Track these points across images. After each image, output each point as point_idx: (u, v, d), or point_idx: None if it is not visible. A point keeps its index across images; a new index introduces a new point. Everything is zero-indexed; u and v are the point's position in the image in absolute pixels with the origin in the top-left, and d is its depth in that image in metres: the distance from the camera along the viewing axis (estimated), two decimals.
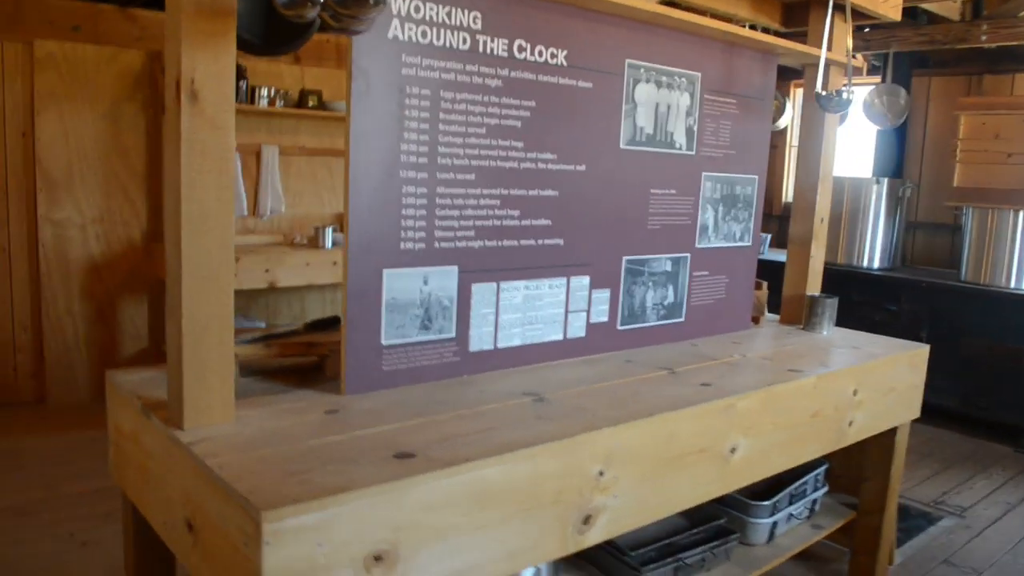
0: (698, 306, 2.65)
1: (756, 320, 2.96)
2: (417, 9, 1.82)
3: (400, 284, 1.89)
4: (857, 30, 5.17)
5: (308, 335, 2.04)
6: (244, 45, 1.96)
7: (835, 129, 2.98)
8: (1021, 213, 4.52)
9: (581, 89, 2.17)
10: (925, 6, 4.39)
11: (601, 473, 1.71)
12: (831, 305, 2.87)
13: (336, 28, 1.54)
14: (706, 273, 2.65)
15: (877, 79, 5.61)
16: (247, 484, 1.34)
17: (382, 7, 1.52)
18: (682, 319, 2.60)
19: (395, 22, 1.79)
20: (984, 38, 4.54)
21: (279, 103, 5.02)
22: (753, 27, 2.98)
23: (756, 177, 2.76)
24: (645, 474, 1.82)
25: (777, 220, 6.39)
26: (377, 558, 1.38)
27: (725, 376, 2.20)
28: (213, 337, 1.58)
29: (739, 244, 2.75)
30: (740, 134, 2.66)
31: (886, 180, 5.19)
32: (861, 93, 5.55)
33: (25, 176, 4.47)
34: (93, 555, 2.96)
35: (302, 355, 1.98)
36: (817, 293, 2.95)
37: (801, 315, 2.94)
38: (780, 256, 5.47)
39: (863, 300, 5.09)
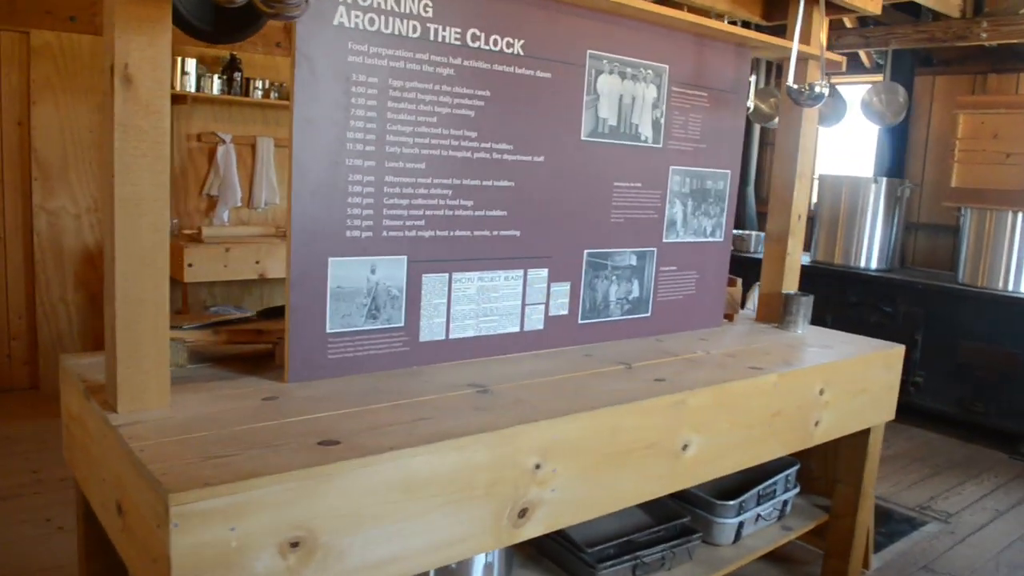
0: (665, 301, 2.62)
1: (730, 317, 2.92)
2: None
3: (346, 272, 1.89)
4: (861, 25, 5.10)
5: (258, 322, 2.04)
6: (196, 32, 1.97)
7: (814, 125, 2.94)
8: (1020, 215, 4.44)
9: (539, 79, 2.15)
10: (923, 1, 4.32)
11: (538, 466, 1.70)
12: (806, 303, 2.83)
13: (269, 13, 1.53)
14: (674, 268, 2.63)
15: (879, 77, 5.53)
16: (162, 467, 1.34)
17: None
18: (648, 314, 2.58)
19: (341, 9, 1.78)
20: (984, 35, 4.46)
21: (273, 95, 5.03)
22: (733, 22, 2.94)
23: (729, 172, 2.73)
24: (586, 468, 1.80)
25: None
26: (294, 544, 1.37)
27: (682, 372, 2.18)
28: (148, 322, 1.58)
29: (710, 239, 2.72)
30: (711, 128, 2.63)
31: (885, 180, 5.11)
32: (860, 91, 5.47)
33: (21, 165, 4.52)
34: (67, 540, 2.98)
35: (251, 342, 1.98)
36: (793, 291, 2.91)
37: (778, 313, 2.91)
38: None
39: (859, 301, 5.02)
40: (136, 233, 1.54)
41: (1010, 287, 4.53)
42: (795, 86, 2.53)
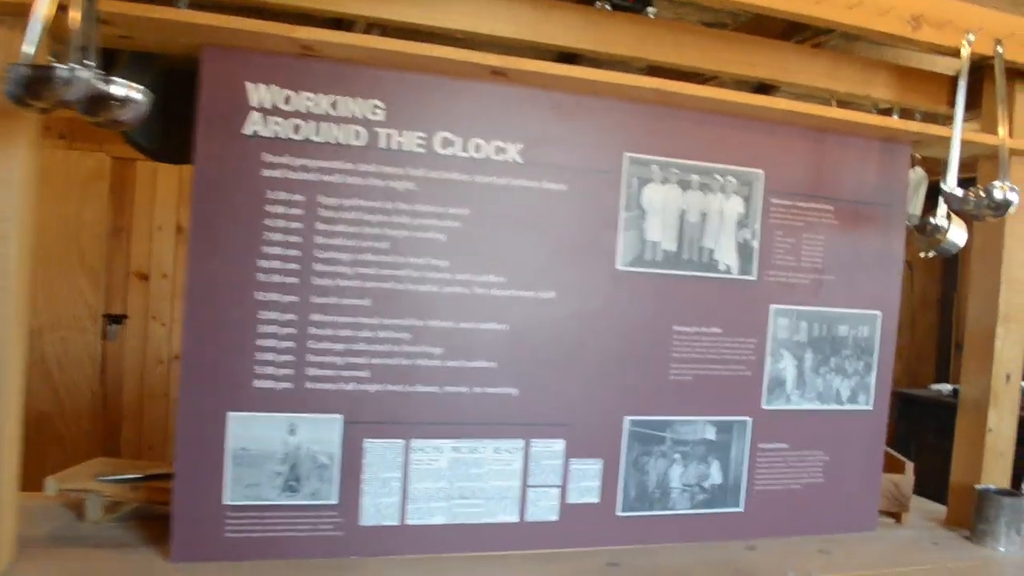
0: (769, 492, 1.86)
1: (897, 517, 2.03)
2: (288, 100, 1.50)
3: (253, 432, 1.51)
4: None
5: None
6: (146, 151, 1.80)
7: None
8: None
9: (548, 192, 1.66)
10: None
11: None
12: (1013, 507, 1.87)
13: (99, 124, 1.27)
14: (784, 446, 1.87)
15: None
16: None
17: (138, 104, 1.25)
18: (739, 508, 1.84)
19: (255, 116, 1.49)
20: None
21: None
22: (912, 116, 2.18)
23: (879, 314, 1.94)
24: None
25: None
26: None
27: None
28: None
29: (848, 407, 1.92)
30: (844, 253, 1.89)
31: None
32: None
33: None
34: None
35: (165, 503, 1.66)
36: (993, 486, 1.95)
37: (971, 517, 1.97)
38: None
39: None
40: None
41: None
42: (956, 191, 1.73)
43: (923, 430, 4.84)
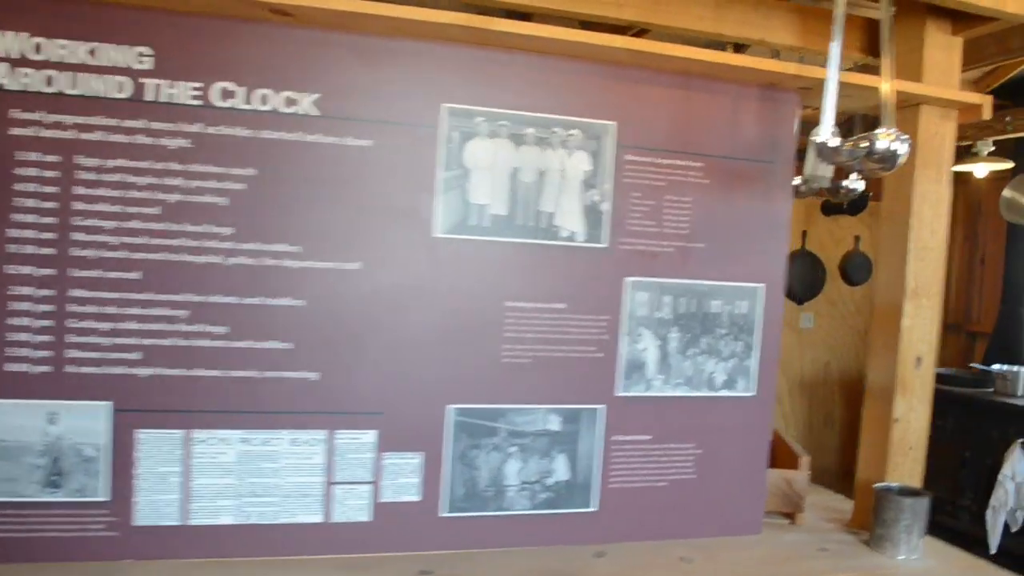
0: (627, 490, 1.65)
1: (792, 517, 1.81)
2: (38, 48, 1.33)
3: (6, 421, 1.35)
4: None
5: None
6: None
7: (944, 199, 1.79)
8: None
9: (350, 149, 1.47)
10: None
11: None
12: (913, 508, 1.64)
13: None
14: (645, 438, 1.66)
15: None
16: None
17: None
18: (591, 508, 1.63)
19: (1, 67, 1.32)
20: None
21: None
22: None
23: (762, 286, 1.71)
24: None
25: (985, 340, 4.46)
26: None
27: None
28: None
29: (725, 393, 1.70)
30: (719, 218, 1.67)
31: None
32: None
33: None
34: None
35: None
36: (896, 484, 1.71)
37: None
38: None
39: None
40: None
41: None
42: (829, 140, 1.49)
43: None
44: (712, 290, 1.68)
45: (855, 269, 4.86)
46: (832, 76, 1.52)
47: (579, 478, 1.62)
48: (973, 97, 1.73)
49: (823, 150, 1.50)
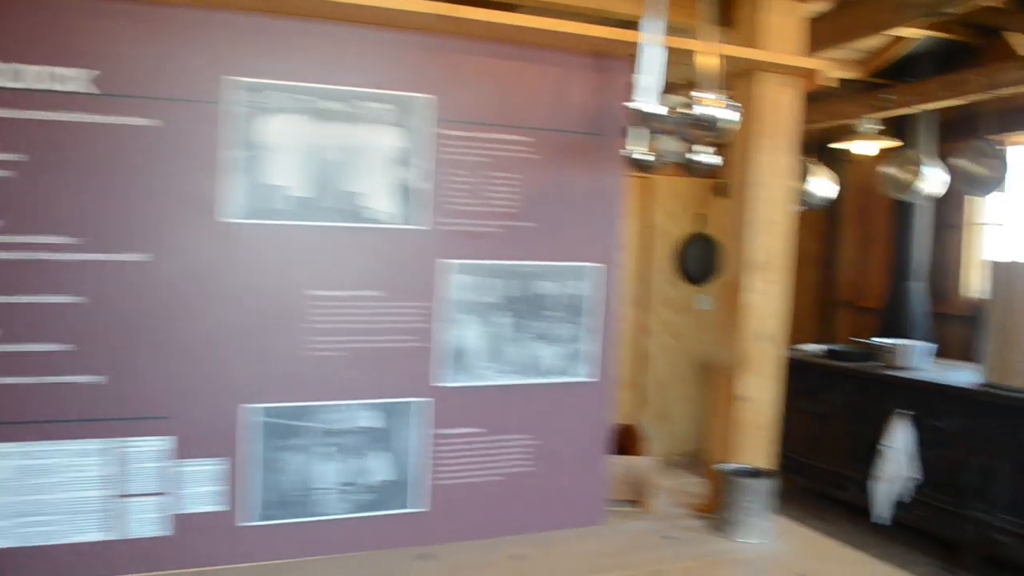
0: (458, 487, 1.55)
1: (642, 505, 1.74)
2: None
3: None
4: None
5: None
6: None
7: (784, 168, 1.74)
8: None
9: (132, 130, 1.31)
10: None
11: None
12: (755, 489, 1.58)
13: None
14: (476, 430, 1.56)
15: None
16: None
17: None
18: (421, 509, 1.52)
19: None
20: None
21: None
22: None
23: (599, 266, 1.63)
24: None
25: (956, 322, 4.58)
26: None
27: None
28: None
29: (560, 380, 1.61)
30: (550, 195, 1.58)
31: None
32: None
33: None
34: None
35: None
36: (737, 465, 1.66)
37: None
38: (952, 375, 3.80)
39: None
40: None
41: None
42: (642, 106, 1.41)
43: (791, 394, 4.60)
44: (545, 271, 1.58)
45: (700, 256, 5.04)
46: (651, 39, 1.44)
47: (404, 477, 1.51)
48: (807, 62, 1.68)
49: (643, 117, 1.42)
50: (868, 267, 5.25)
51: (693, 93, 1.38)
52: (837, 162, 5.11)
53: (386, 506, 1.50)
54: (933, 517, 3.71)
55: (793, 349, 4.83)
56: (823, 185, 4.84)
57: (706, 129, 1.42)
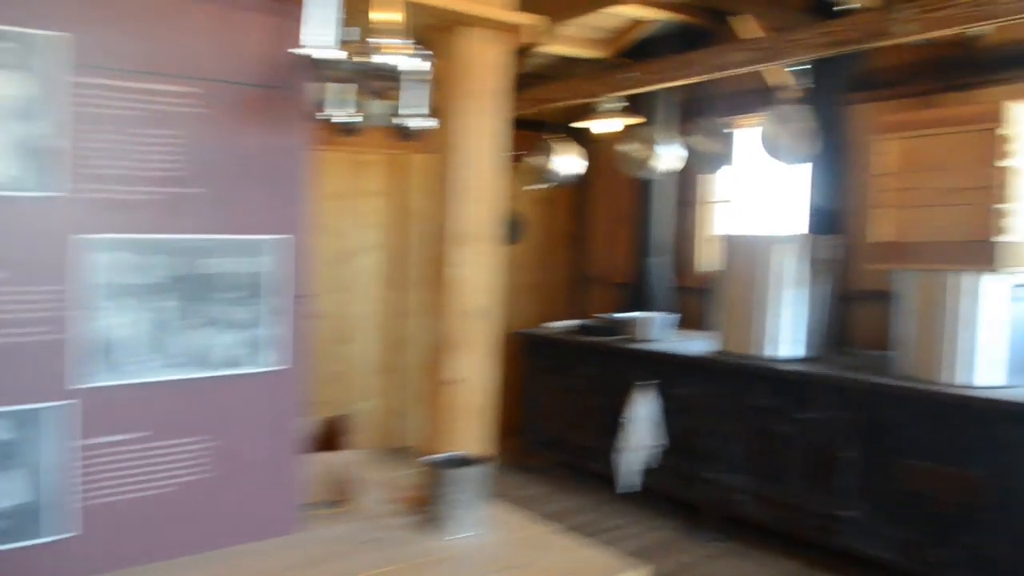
0: (118, 504, 1.31)
1: (345, 506, 1.59)
2: None
3: None
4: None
5: None
6: None
7: (490, 132, 1.66)
8: (967, 277, 3.01)
9: None
10: None
11: None
12: (465, 479, 1.49)
13: None
14: (137, 435, 1.32)
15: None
16: None
17: None
18: (72, 533, 1.26)
19: None
20: (912, 28, 3.13)
21: None
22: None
23: (285, 238, 1.44)
24: None
25: (696, 294, 4.93)
26: None
27: None
28: None
29: (240, 371, 1.41)
30: (222, 156, 1.36)
31: (804, 237, 3.74)
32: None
33: None
34: None
35: None
36: (444, 455, 1.56)
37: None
38: (690, 345, 4.03)
39: (767, 406, 3.59)
40: None
41: (956, 379, 3.04)
42: (315, 52, 1.25)
43: (538, 371, 4.73)
44: (216, 245, 1.37)
45: None
46: None
47: (45, 498, 1.24)
48: (509, 15, 1.60)
49: (314, 64, 1.25)
50: (617, 243, 5.49)
51: (370, 40, 1.24)
52: (590, 142, 5.28)
53: (23, 535, 1.22)
54: (676, 481, 3.94)
55: (543, 326, 4.94)
56: (570, 162, 4.97)
57: (389, 79, 1.29)
